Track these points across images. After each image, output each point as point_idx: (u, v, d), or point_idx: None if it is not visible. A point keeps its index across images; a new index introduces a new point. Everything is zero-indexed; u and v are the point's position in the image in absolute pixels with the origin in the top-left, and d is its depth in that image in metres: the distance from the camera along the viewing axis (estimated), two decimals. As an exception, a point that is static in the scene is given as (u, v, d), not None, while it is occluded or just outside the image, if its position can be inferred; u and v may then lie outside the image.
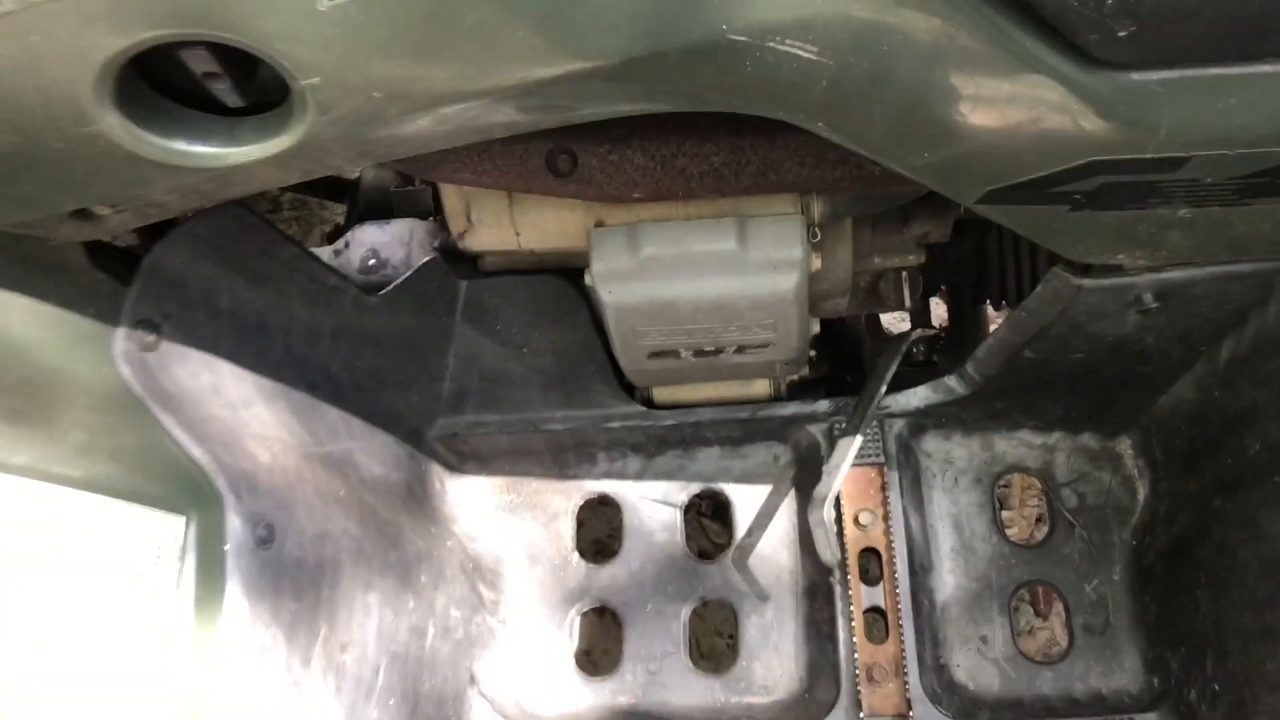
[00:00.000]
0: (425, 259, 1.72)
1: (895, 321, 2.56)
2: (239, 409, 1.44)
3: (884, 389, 1.76)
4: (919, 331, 1.86)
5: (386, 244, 1.88)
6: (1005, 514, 2.56)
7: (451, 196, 1.64)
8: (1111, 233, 1.28)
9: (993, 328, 2.41)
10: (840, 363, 1.98)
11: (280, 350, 1.54)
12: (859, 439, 1.72)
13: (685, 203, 1.52)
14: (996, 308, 1.86)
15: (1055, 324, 1.48)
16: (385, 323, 1.69)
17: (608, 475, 1.93)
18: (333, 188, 2.38)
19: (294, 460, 1.46)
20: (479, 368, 1.82)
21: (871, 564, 1.77)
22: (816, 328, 1.76)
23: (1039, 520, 2.44)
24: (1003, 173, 1.18)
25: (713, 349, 1.63)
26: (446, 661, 1.65)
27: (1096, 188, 1.18)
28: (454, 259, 1.81)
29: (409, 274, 1.69)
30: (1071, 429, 1.85)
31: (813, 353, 1.94)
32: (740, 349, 1.64)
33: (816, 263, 1.56)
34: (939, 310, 2.29)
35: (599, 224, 1.55)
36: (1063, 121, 1.10)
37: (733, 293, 1.52)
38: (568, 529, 1.92)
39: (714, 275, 1.51)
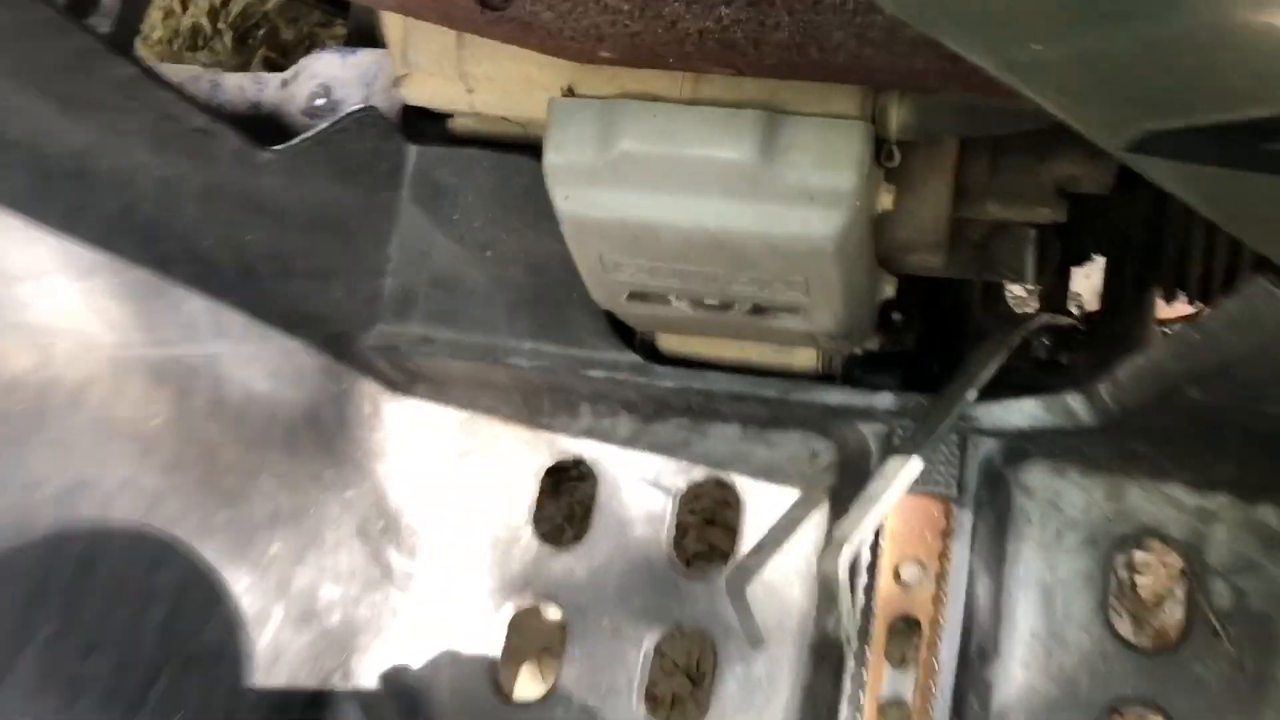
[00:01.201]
0: (355, 108, 1.24)
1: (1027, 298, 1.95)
2: (17, 283, 1.02)
3: (973, 393, 1.21)
4: (1045, 318, 1.29)
5: (344, 80, 1.40)
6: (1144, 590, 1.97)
7: (392, 26, 1.15)
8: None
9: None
10: (934, 337, 1.42)
11: (113, 208, 1.11)
12: (917, 461, 1.18)
13: (695, 79, 0.99)
14: (1170, 299, 1.26)
15: (1246, 362, 0.91)
16: (291, 189, 1.23)
17: (590, 434, 1.45)
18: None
19: (85, 368, 1.04)
20: (430, 267, 1.35)
21: (910, 639, 1.25)
22: (890, 291, 1.22)
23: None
24: (1177, 102, 0.61)
25: (716, 303, 1.12)
26: (301, 656, 1.24)
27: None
28: (420, 116, 1.34)
29: (325, 125, 1.21)
30: (1246, 496, 1.26)
31: (897, 316, 1.40)
32: (756, 309, 1.11)
33: (887, 200, 1.02)
34: (1087, 287, 1.69)
35: (569, 92, 1.04)
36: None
37: (743, 227, 0.99)
38: (526, 493, 1.46)
39: (718, 196, 0.99)
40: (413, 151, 1.29)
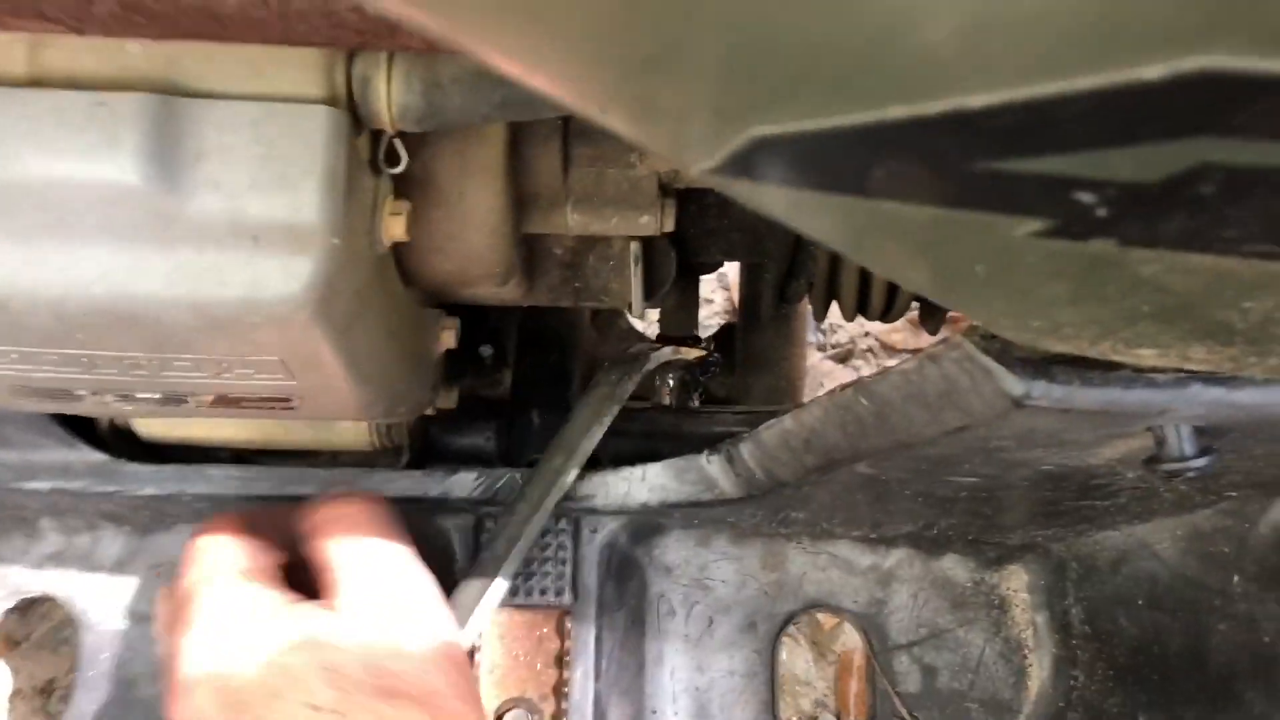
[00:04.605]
0: None
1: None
2: None
3: (572, 473, 0.87)
4: (665, 353, 0.97)
5: None
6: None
7: None
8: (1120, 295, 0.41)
9: (837, 335, 1.57)
10: (535, 374, 1.08)
11: None
12: (500, 582, 0.84)
13: (34, 43, 0.57)
14: (820, 315, 0.98)
15: (939, 445, 0.62)
16: None
17: (58, 561, 1.00)
18: None
19: None
20: None
21: (520, 809, 0.91)
22: (450, 340, 0.85)
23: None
24: (806, 90, 0.27)
25: (156, 396, 0.71)
26: None
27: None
28: None
29: None
30: (926, 548, 1.01)
31: (486, 351, 1.05)
32: (224, 401, 0.71)
33: (398, 228, 0.65)
34: (719, 300, 1.40)
35: None
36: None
37: (150, 291, 0.59)
38: (-32, 659, 1.00)
39: (97, 241, 0.58)
40: None
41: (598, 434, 0.87)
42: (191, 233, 0.57)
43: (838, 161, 0.31)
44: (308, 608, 0.71)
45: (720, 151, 0.32)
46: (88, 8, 0.48)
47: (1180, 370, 0.49)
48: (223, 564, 0.73)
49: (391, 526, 0.78)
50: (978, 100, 0.28)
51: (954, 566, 1.01)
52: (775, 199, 0.36)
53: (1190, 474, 0.52)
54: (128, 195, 0.55)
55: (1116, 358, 0.47)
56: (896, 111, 0.29)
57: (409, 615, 0.72)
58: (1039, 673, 0.99)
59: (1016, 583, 1.01)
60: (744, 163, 0.32)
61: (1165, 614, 0.85)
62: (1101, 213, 0.33)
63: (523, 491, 0.86)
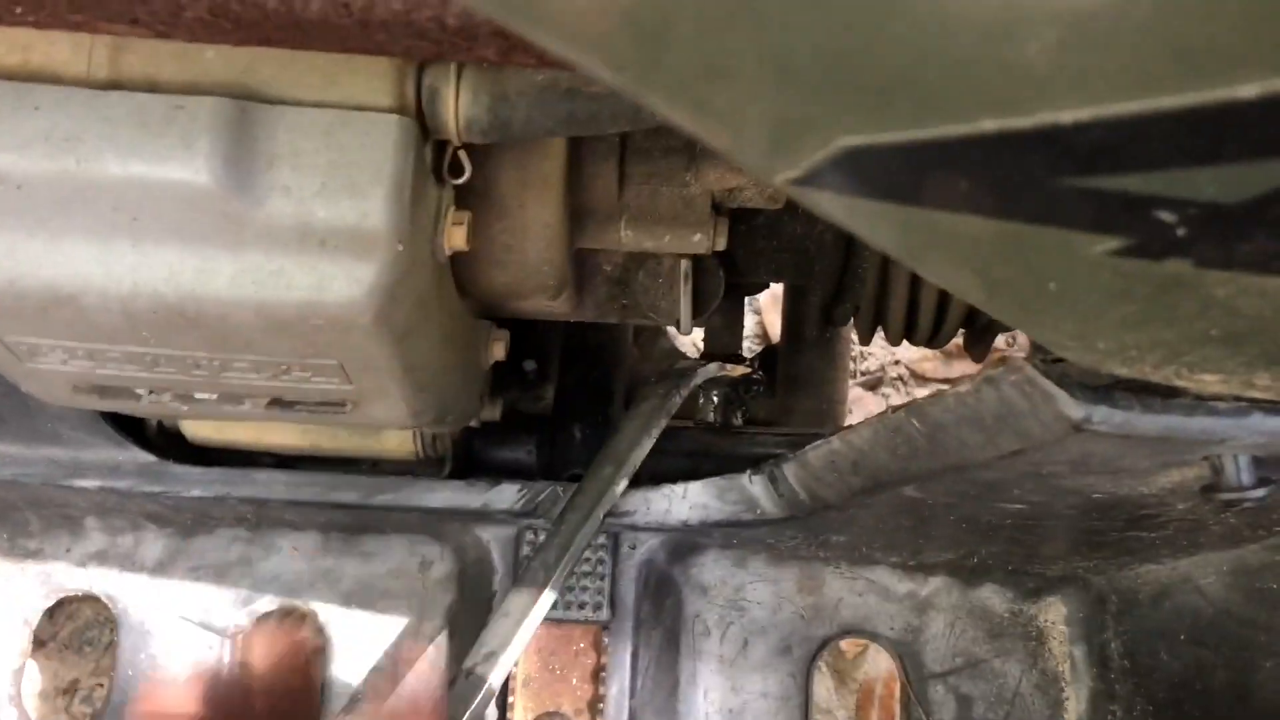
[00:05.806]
0: None
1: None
2: None
3: (621, 485, 0.88)
4: (714, 367, 0.97)
5: None
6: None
7: None
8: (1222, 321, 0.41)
9: (874, 355, 1.57)
10: (577, 390, 1.08)
11: None
12: (548, 594, 0.84)
13: (114, 47, 0.58)
14: (865, 338, 0.98)
15: (992, 468, 0.62)
16: None
17: (102, 560, 1.01)
18: None
19: None
20: None
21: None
22: (500, 352, 0.86)
23: None
24: (900, 101, 0.28)
25: (212, 397, 0.72)
26: None
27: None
28: None
29: None
30: (965, 578, 1.00)
31: (530, 365, 1.06)
32: (279, 403, 0.72)
33: (459, 237, 0.65)
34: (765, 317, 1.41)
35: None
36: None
37: (217, 291, 0.60)
38: (9, 653, 1.01)
39: (168, 241, 0.59)
40: None
41: (646, 446, 0.87)
42: (260, 236, 0.58)
43: (923, 174, 0.32)
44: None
45: (805, 161, 0.32)
46: (178, 13, 0.50)
47: (1241, 399, 0.49)
48: None
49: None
50: (1069, 115, 0.29)
51: (992, 596, 1.01)
52: (855, 212, 0.36)
53: (1247, 504, 0.52)
54: (200, 197, 0.57)
55: (1179, 382, 0.47)
56: (987, 125, 0.30)
57: None
58: (1076, 706, 0.98)
59: (1055, 615, 1.00)
60: (828, 173, 0.33)
61: (1208, 649, 0.84)
62: (1180, 232, 0.33)
63: (572, 501, 0.86)
